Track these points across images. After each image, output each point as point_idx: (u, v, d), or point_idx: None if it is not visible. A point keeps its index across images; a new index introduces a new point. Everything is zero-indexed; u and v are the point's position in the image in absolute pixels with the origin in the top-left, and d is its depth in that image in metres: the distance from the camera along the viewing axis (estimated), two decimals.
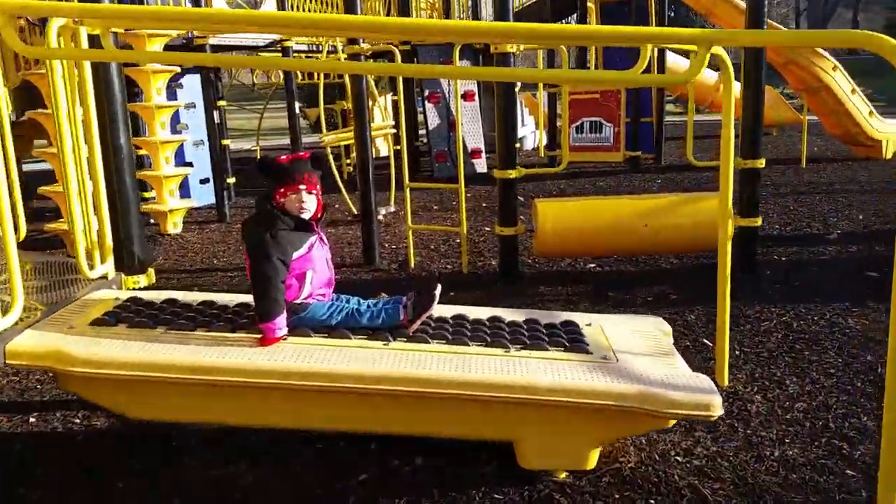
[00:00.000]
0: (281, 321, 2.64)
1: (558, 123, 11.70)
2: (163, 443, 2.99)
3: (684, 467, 2.83)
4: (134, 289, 3.38)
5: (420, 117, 12.07)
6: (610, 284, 5.31)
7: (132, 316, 2.80)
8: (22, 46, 2.47)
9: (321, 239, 2.90)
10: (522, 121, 14.57)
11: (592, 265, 5.86)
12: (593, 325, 3.07)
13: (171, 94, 8.69)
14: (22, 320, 2.64)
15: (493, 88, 6.00)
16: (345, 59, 6.76)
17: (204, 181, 9.19)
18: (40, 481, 2.82)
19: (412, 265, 6.01)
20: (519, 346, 2.73)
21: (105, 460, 2.94)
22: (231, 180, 9.53)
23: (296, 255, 2.70)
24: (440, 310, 3.16)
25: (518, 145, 13.32)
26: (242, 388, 2.49)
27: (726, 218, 3.39)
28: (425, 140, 11.54)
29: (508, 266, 5.58)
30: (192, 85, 8.78)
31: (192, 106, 9.11)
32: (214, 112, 8.27)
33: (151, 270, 3.46)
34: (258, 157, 3.01)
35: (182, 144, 8.98)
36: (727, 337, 3.41)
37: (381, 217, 8.03)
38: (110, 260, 3.32)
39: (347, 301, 2.95)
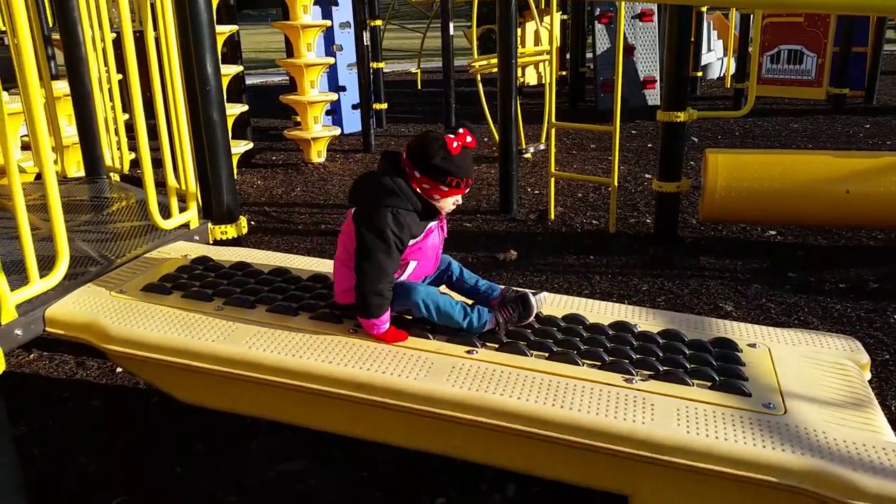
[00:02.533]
0: (386, 317, 2.17)
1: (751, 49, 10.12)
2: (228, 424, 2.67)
3: None
4: (220, 241, 3.04)
5: (589, 39, 10.96)
6: (792, 262, 4.34)
7: (192, 282, 2.44)
8: None
9: (441, 226, 2.33)
10: (709, 45, 12.90)
11: (773, 232, 4.86)
12: (759, 346, 2.31)
13: (326, 13, 8.38)
14: (74, 277, 2.36)
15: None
16: None
17: (356, 106, 8.88)
18: (102, 451, 2.62)
19: (552, 217, 5.33)
20: (647, 375, 2.06)
21: (168, 438, 2.68)
22: (382, 106, 9.19)
23: (410, 242, 2.19)
24: (554, 302, 2.54)
25: (700, 74, 11.90)
26: (294, 390, 2.05)
27: None
28: (592, 66, 10.48)
29: (665, 229, 4.75)
30: (349, 2, 8.37)
31: (347, 25, 8.76)
32: (364, 32, 7.82)
33: (243, 219, 3.09)
34: (421, 136, 2.21)
35: (335, 66, 8.74)
36: None
37: (529, 154, 7.34)
38: (194, 208, 2.99)
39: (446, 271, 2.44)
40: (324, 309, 2.30)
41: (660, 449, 1.80)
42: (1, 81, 2.83)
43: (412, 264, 2.26)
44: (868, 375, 2.29)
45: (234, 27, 6.71)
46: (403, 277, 2.26)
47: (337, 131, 7.66)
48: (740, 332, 2.41)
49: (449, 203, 2.21)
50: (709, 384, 2.02)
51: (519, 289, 2.38)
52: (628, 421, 1.85)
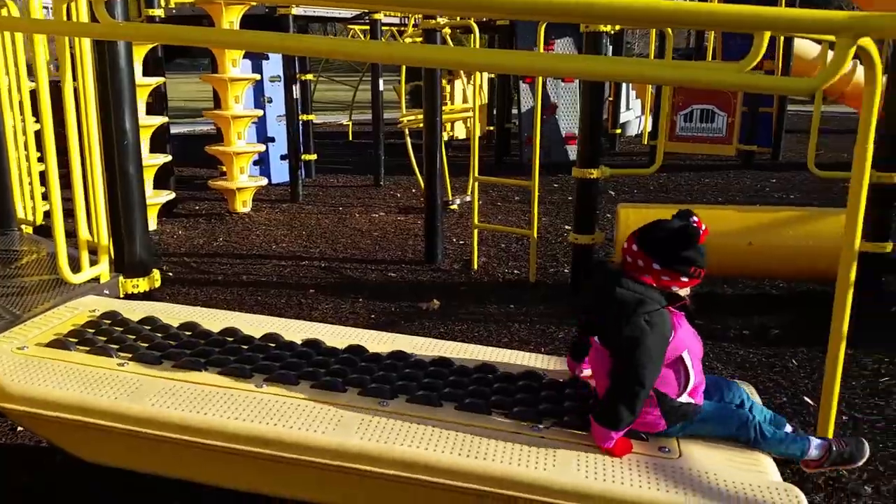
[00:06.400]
0: (617, 434, 2.01)
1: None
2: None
3: None
4: (132, 294, 2.99)
5: (515, 97, 11.36)
6: (699, 310, 4.52)
7: (97, 338, 2.40)
8: None
9: (675, 310, 2.14)
10: (628, 104, 13.55)
11: None
12: None
13: (257, 66, 8.45)
14: None
15: None
16: (419, 34, 6.19)
17: (284, 157, 8.91)
18: None
19: (476, 267, 5.44)
20: (551, 421, 2.13)
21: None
22: (311, 157, 9.24)
23: (669, 340, 2.06)
24: (465, 351, 2.60)
25: (619, 131, 12.45)
26: (200, 448, 2.03)
27: (853, 245, 2.67)
28: (517, 122, 10.85)
29: (581, 279, 4.91)
30: (280, 57, 8.46)
31: (277, 79, 8.84)
32: (294, 86, 7.92)
33: (156, 272, 3.05)
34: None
35: (264, 118, 8.77)
36: (834, 410, 2.70)
37: (455, 206, 7.49)
38: (105, 261, 2.94)
39: (740, 402, 2.28)
40: (233, 364, 2.29)
41: (561, 495, 1.86)
42: None
43: (686, 356, 2.10)
44: None
45: (161, 79, 6.69)
46: (692, 373, 2.11)
47: (264, 181, 7.65)
48: None
49: (680, 292, 2.10)
50: None
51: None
52: (530, 468, 1.91)
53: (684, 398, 2.11)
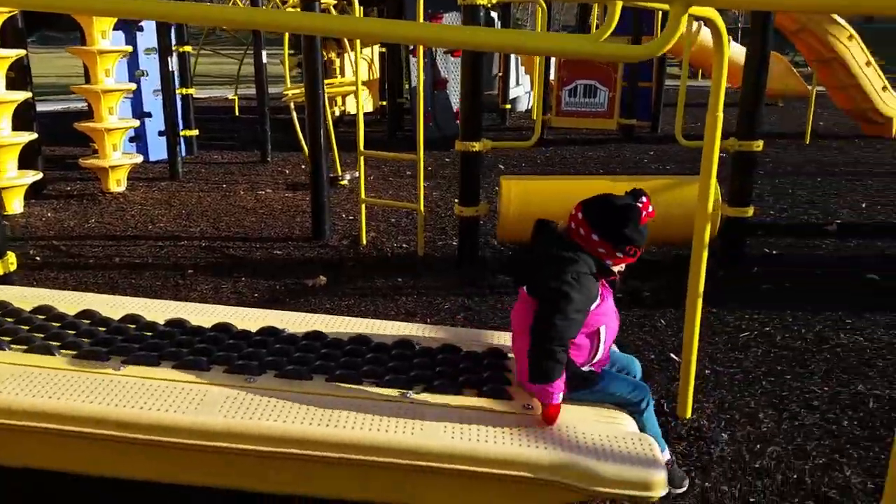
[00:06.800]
0: (561, 384, 2.06)
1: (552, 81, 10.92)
2: None
3: None
4: None
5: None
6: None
7: None
8: None
9: (604, 284, 2.26)
10: (517, 80, 13.77)
11: None
12: None
13: (130, 38, 7.99)
14: None
15: None
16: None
17: (164, 133, 8.51)
18: None
19: (364, 242, 5.42)
20: (421, 387, 2.16)
21: None
22: (192, 132, 8.88)
23: (592, 306, 2.13)
24: (340, 325, 2.59)
25: (509, 106, 12.65)
26: (55, 435, 1.93)
27: (706, 209, 2.85)
28: (409, 97, 10.83)
29: (468, 250, 4.99)
30: (154, 28, 8.02)
31: (153, 51, 8.39)
32: (169, 58, 7.55)
33: (11, 255, 2.86)
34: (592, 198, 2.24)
35: (139, 92, 8.33)
36: (693, 366, 2.89)
37: (345, 182, 7.41)
38: None
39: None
40: (89, 347, 2.19)
41: (426, 457, 1.90)
42: None
43: (603, 330, 2.19)
44: None
45: (22, 51, 6.22)
46: (601, 347, 2.20)
47: (139, 159, 7.28)
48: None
49: (616, 267, 2.20)
50: (476, 391, 2.17)
51: None
52: (398, 434, 1.94)
53: (587, 368, 2.22)
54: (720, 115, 2.78)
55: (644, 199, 2.14)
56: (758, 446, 2.83)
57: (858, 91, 10.09)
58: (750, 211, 4.93)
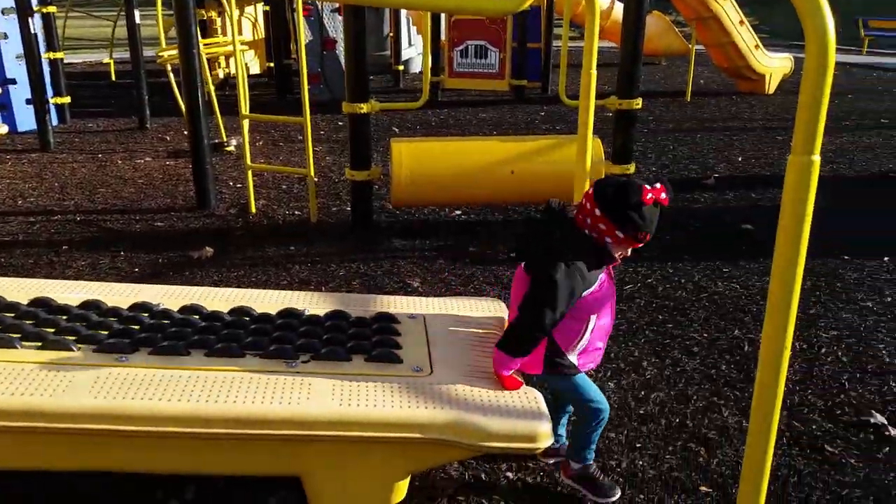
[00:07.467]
0: (519, 362, 2.11)
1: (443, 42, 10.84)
2: None
3: (515, 490, 2.35)
4: None
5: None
6: (472, 237, 4.76)
7: None
8: None
9: (609, 274, 2.20)
10: (409, 40, 13.61)
11: (458, 212, 5.28)
12: (417, 316, 2.49)
13: None
14: None
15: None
16: None
17: (31, 101, 7.87)
18: None
19: (253, 210, 5.24)
20: (308, 356, 2.11)
21: None
22: (64, 100, 8.27)
23: (585, 293, 2.08)
24: (221, 296, 2.49)
25: (402, 68, 12.49)
26: None
27: (584, 166, 2.90)
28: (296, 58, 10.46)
29: (361, 215, 4.92)
30: None
31: (11, 11, 7.69)
32: (30, 19, 6.95)
33: None
34: (600, 180, 2.11)
35: (0, 58, 7.64)
36: None
37: (232, 148, 7.13)
38: None
39: None
40: None
41: (314, 426, 1.86)
42: None
43: (592, 319, 2.13)
44: None
45: None
46: (587, 335, 2.15)
47: (4, 129, 6.70)
48: (403, 306, 2.59)
49: (620, 251, 2.13)
50: (365, 357, 2.14)
51: None
52: (283, 404, 1.89)
53: (572, 357, 2.18)
54: (594, 73, 2.82)
55: (658, 184, 2.09)
56: (642, 393, 2.97)
57: (734, 49, 10.59)
58: (632, 168, 5.10)
